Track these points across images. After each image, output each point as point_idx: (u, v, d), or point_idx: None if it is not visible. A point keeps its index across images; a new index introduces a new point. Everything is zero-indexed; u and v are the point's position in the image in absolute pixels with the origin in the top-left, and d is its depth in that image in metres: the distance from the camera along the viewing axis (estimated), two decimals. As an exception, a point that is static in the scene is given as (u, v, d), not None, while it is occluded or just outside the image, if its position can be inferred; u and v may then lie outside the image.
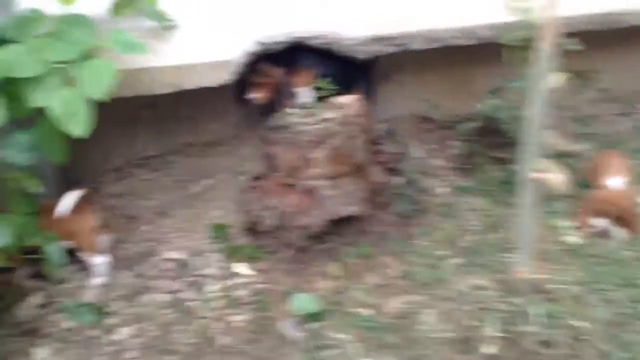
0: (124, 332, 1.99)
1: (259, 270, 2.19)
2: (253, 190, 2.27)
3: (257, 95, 2.44)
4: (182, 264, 2.18)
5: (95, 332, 1.98)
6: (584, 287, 2.02)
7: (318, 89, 2.26)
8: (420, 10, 2.43)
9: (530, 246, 1.99)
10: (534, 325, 1.87)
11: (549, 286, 1.99)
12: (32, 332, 1.96)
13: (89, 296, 2.07)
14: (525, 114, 1.79)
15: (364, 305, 2.07)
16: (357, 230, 2.20)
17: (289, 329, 2.01)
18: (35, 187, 1.89)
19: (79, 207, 2.06)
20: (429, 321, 1.98)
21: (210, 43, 2.20)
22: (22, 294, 2.05)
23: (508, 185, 2.43)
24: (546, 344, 1.85)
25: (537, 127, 1.78)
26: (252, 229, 2.23)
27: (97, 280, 2.10)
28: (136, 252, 2.20)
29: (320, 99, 2.25)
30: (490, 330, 1.90)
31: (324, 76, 2.27)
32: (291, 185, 2.15)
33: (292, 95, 2.34)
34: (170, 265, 2.18)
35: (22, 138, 1.81)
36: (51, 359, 1.91)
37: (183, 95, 2.19)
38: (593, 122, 2.82)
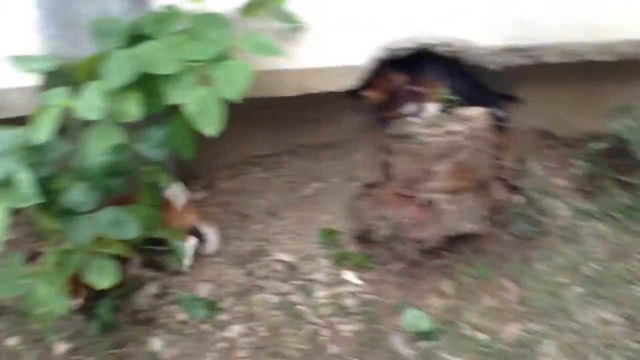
0: (234, 330, 2.01)
1: (367, 280, 2.14)
2: (367, 197, 2.23)
3: (371, 94, 2.33)
4: (292, 267, 2.18)
5: (207, 327, 2.01)
6: None
7: (442, 99, 2.18)
8: (556, 21, 2.29)
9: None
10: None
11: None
12: (147, 322, 2.01)
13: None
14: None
15: (479, 328, 1.98)
16: (474, 248, 2.12)
17: (400, 345, 1.96)
18: (165, 182, 1.93)
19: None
20: (550, 353, 1.88)
21: (338, 47, 2.17)
22: (139, 282, 2.10)
23: (636, 212, 2.29)
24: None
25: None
26: (363, 237, 2.19)
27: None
28: (247, 251, 2.21)
29: (443, 110, 2.18)
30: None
31: (448, 87, 2.19)
32: (409, 197, 2.09)
33: (410, 103, 2.26)
34: (279, 266, 2.18)
35: (157, 133, 1.84)
36: (164, 351, 1.95)
37: (301, 97, 2.18)
38: None
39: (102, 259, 1.74)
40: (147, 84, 1.80)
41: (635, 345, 1.85)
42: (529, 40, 2.18)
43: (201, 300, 2.06)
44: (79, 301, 1.92)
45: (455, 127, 2.00)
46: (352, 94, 2.21)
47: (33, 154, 1.68)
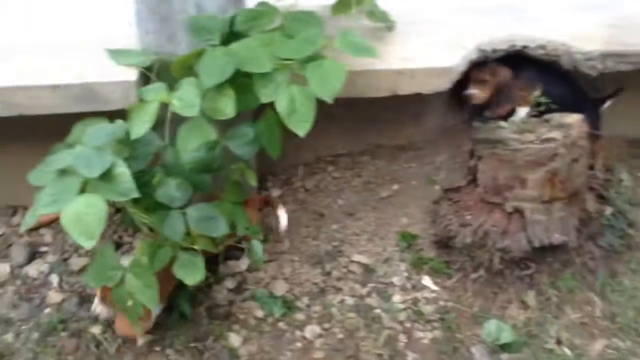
0: (310, 330, 2.00)
1: (445, 287, 2.10)
2: (448, 202, 2.18)
3: (477, 92, 2.23)
4: (368, 269, 2.15)
5: (283, 326, 2.01)
6: None
7: (534, 104, 2.10)
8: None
9: None
10: None
11: None
12: (225, 316, 2.02)
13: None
14: None
15: (564, 343, 1.92)
16: (561, 260, 2.05)
17: (481, 356, 1.91)
18: (252, 179, 1.93)
19: None
20: (640, 373, 1.81)
21: (430, 48, 2.12)
22: (218, 276, 2.12)
23: None
24: None
25: None
26: (443, 243, 2.15)
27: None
28: (324, 250, 2.19)
29: (534, 114, 2.11)
30: None
31: (542, 91, 2.11)
32: (495, 204, 2.03)
33: (512, 103, 2.18)
34: (356, 268, 2.16)
35: (247, 131, 1.83)
36: (243, 347, 1.96)
37: (384, 97, 2.13)
38: None
39: (191, 255, 1.75)
40: (240, 81, 1.79)
41: None
42: (631, 46, 2.08)
43: (278, 298, 2.06)
44: (164, 297, 1.94)
45: (551, 133, 1.93)
46: (453, 95, 2.13)
47: (129, 148, 1.70)
